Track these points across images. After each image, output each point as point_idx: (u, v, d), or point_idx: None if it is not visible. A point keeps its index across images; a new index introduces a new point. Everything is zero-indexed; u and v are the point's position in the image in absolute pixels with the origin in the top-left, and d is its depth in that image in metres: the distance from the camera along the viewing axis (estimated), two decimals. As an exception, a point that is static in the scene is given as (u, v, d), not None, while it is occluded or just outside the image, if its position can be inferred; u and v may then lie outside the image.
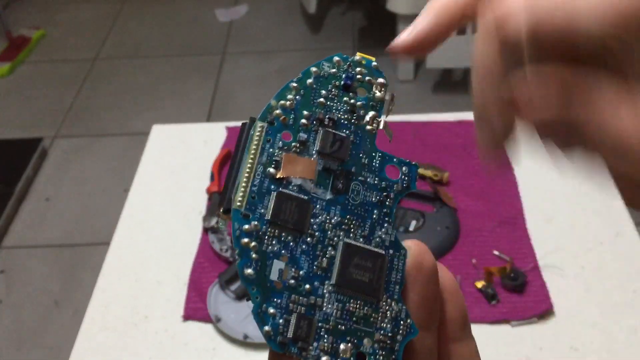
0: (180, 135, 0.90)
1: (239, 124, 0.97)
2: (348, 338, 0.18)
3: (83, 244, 1.61)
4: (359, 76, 0.21)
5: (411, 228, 0.72)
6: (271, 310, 0.18)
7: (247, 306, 0.67)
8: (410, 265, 0.19)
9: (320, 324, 0.18)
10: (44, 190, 1.77)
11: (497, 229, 0.73)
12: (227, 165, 0.84)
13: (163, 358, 0.64)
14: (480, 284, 0.66)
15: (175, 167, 0.85)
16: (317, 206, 0.19)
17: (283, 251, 0.18)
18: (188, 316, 0.67)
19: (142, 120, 1.98)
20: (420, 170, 0.79)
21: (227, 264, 0.71)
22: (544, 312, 0.64)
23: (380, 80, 0.21)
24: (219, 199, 0.19)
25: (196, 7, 2.54)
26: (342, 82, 0.20)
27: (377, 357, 0.18)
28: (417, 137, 0.86)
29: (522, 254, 0.70)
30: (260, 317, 0.18)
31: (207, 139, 0.88)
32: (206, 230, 0.75)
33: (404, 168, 0.20)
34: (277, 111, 0.20)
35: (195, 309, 0.67)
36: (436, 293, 0.19)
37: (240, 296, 0.67)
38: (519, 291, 0.66)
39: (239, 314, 0.66)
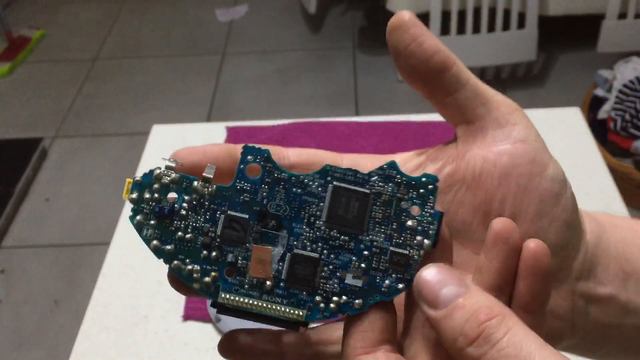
0: (180, 135, 0.90)
1: (239, 123, 0.98)
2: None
3: (83, 243, 1.61)
4: (154, 196, 0.21)
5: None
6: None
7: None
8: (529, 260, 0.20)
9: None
10: (43, 190, 1.77)
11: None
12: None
13: (163, 358, 0.64)
14: (480, 284, 0.66)
15: (175, 167, 0.85)
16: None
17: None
18: (188, 316, 0.67)
19: (142, 120, 1.98)
20: (421, 170, 0.79)
21: (227, 264, 0.71)
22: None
23: (157, 172, 0.21)
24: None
25: (196, 7, 2.54)
26: (158, 213, 0.21)
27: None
28: (417, 137, 0.86)
29: (523, 254, 0.69)
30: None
31: (207, 139, 0.88)
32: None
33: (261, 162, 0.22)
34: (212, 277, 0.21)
35: (195, 309, 0.67)
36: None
37: (240, 296, 0.67)
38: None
39: (239, 314, 0.66)
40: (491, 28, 1.80)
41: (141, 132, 1.90)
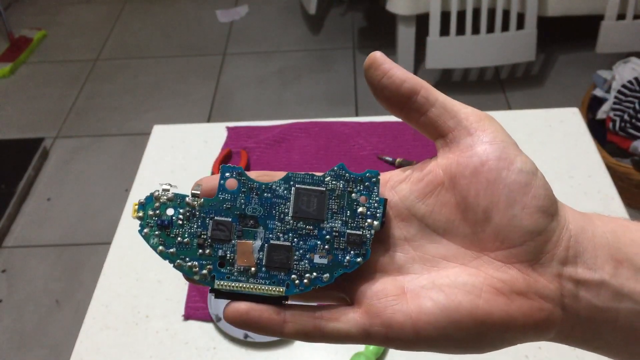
0: (180, 136, 0.90)
1: (239, 124, 0.98)
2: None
3: (84, 243, 1.61)
4: (156, 212, 0.25)
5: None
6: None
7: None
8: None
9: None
10: (45, 190, 1.77)
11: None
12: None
13: (164, 357, 0.64)
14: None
15: (176, 167, 0.85)
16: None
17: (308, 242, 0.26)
18: (189, 315, 0.67)
19: (143, 121, 1.99)
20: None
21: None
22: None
23: (156, 193, 0.26)
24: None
25: (197, 8, 2.54)
26: (160, 224, 0.25)
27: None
28: (416, 137, 0.87)
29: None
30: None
31: (208, 139, 0.89)
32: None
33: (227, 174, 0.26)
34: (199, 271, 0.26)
35: (196, 308, 0.68)
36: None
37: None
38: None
39: (239, 313, 0.67)
40: (490, 29, 1.81)
41: (142, 133, 1.91)
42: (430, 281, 0.25)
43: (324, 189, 0.26)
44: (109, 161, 1.85)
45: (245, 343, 0.65)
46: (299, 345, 0.64)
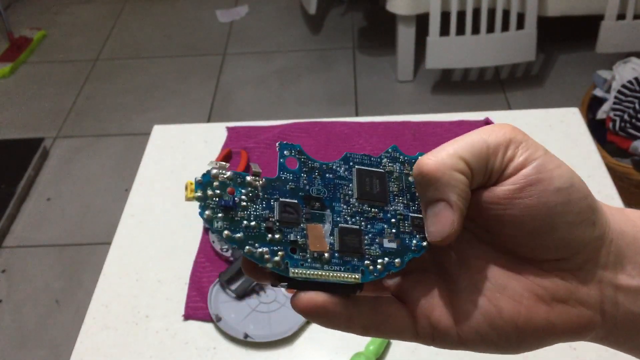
0: (180, 136, 0.90)
1: (239, 124, 0.98)
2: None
3: (84, 243, 1.61)
4: (216, 192, 0.23)
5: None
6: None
7: (248, 305, 0.67)
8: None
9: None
10: (45, 190, 1.77)
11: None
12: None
13: (164, 357, 0.64)
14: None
15: (176, 167, 0.85)
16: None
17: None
18: (189, 315, 0.67)
19: (143, 121, 1.99)
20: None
21: (228, 263, 0.71)
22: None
23: (214, 171, 0.23)
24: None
25: (197, 8, 2.54)
26: (224, 206, 0.23)
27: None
28: (416, 137, 0.87)
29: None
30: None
31: (208, 139, 0.89)
32: (206, 230, 0.75)
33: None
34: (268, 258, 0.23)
35: (196, 308, 0.68)
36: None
37: (240, 295, 0.68)
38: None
39: (240, 313, 0.67)
40: (490, 29, 1.81)
41: (142, 133, 1.91)
42: (473, 284, 0.24)
43: (383, 170, 0.25)
44: (109, 161, 1.85)
45: (245, 343, 0.65)
46: (299, 345, 0.64)
